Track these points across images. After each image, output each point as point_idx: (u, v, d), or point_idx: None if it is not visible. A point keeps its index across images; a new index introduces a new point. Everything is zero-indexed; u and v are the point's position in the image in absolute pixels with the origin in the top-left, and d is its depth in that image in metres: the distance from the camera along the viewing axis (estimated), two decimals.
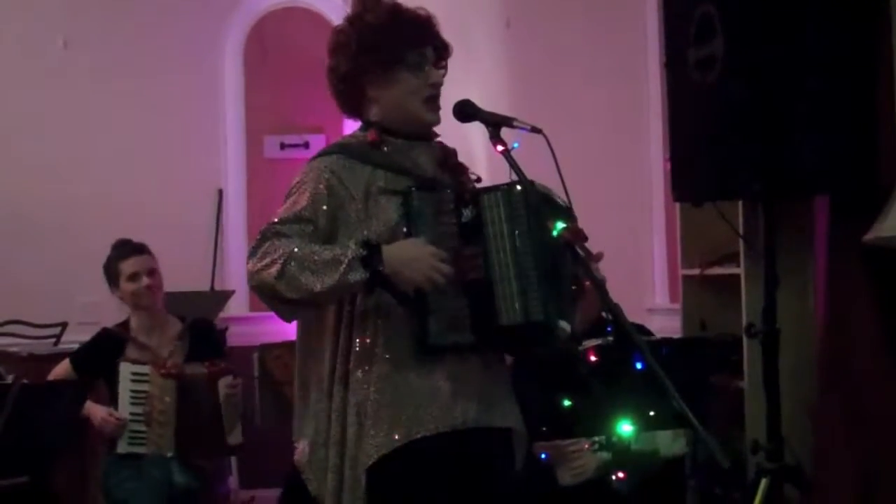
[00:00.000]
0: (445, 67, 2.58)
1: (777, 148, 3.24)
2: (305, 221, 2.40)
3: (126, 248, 4.10)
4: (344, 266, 2.29)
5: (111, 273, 4.09)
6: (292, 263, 2.31)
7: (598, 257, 2.49)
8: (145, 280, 4.03)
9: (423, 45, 2.51)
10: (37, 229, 6.58)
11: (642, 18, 6.18)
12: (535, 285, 2.37)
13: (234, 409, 4.01)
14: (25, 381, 3.72)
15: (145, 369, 3.97)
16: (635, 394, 3.45)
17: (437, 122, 2.54)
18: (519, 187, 2.39)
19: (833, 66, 3.26)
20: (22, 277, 6.43)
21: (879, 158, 3.30)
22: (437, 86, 2.52)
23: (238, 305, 6.70)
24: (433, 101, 2.52)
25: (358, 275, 2.30)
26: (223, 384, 3.97)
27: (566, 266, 2.43)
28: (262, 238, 2.38)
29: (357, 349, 2.43)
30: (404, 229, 2.40)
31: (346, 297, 2.43)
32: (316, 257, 2.32)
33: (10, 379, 3.99)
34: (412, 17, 2.52)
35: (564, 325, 2.41)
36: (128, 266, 4.04)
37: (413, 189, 2.41)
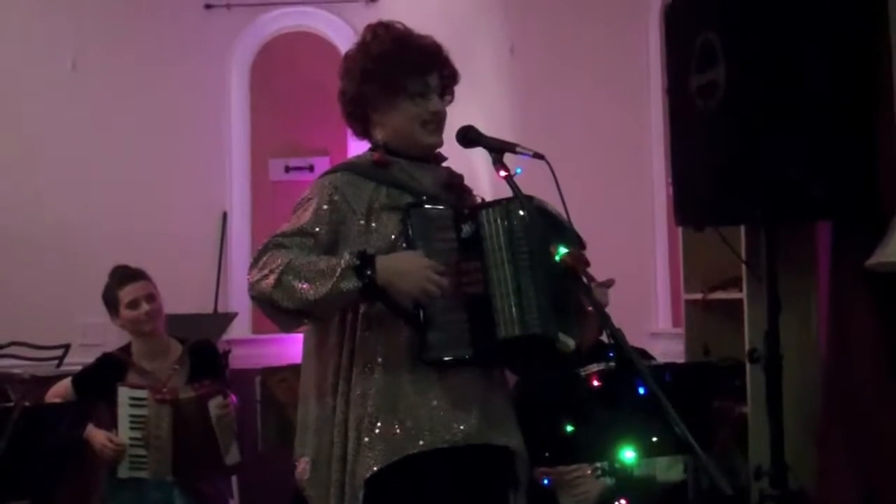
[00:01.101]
0: (452, 95, 2.60)
1: (779, 173, 3.25)
2: (307, 235, 2.44)
3: (123, 276, 4.07)
4: (337, 275, 2.32)
5: (110, 301, 4.08)
6: (289, 273, 2.35)
7: (610, 283, 2.51)
8: (145, 307, 4.02)
9: (425, 73, 2.53)
10: (41, 251, 6.59)
11: (645, 45, 6.22)
12: (533, 298, 2.37)
13: (227, 428, 3.99)
14: (27, 403, 3.72)
15: (143, 394, 3.96)
16: (638, 419, 3.45)
17: (439, 144, 2.57)
18: (518, 203, 2.40)
19: (834, 93, 3.27)
20: (25, 299, 6.43)
21: (881, 183, 3.31)
22: (437, 114, 2.54)
23: (241, 328, 6.70)
24: (433, 125, 2.54)
25: (351, 283, 2.32)
26: (213, 405, 3.95)
27: (568, 282, 2.43)
28: (263, 250, 2.43)
29: (357, 365, 2.45)
30: (403, 245, 2.42)
31: (348, 312, 2.44)
32: (311, 267, 2.35)
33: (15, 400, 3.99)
34: (417, 46, 2.54)
35: (566, 340, 2.41)
36: (126, 294, 4.03)
37: (412, 205, 2.43)
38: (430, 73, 2.54)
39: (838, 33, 3.28)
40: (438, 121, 2.55)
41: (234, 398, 4.05)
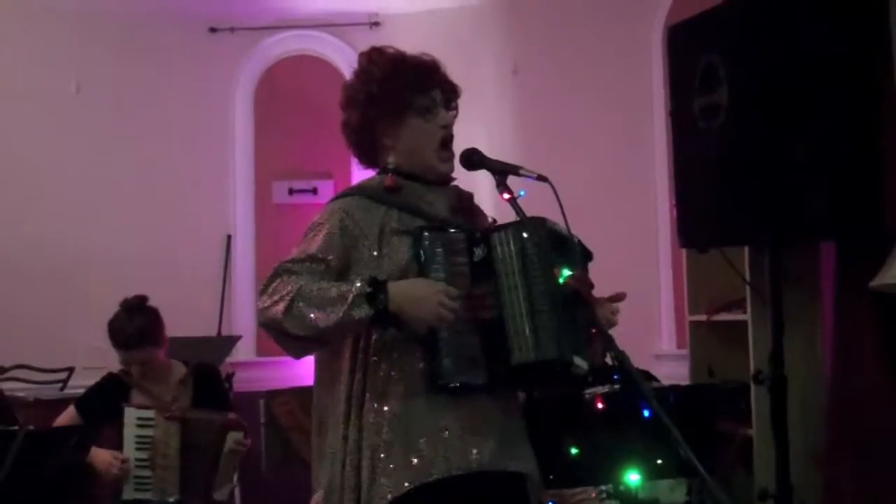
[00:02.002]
0: (456, 109, 2.60)
1: (782, 194, 3.25)
2: (317, 260, 2.42)
3: (117, 340, 4.03)
4: (349, 302, 2.30)
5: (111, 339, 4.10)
6: (299, 300, 2.33)
7: (619, 297, 2.50)
8: (136, 371, 4.06)
9: (429, 88, 2.53)
10: (45, 274, 6.60)
11: (648, 67, 6.24)
12: (547, 322, 2.35)
13: (231, 464, 3.99)
14: (31, 427, 3.71)
15: (150, 414, 3.95)
16: (642, 442, 3.44)
17: (450, 171, 2.57)
18: (530, 226, 2.40)
19: (837, 113, 3.28)
20: (29, 322, 6.44)
21: (885, 204, 3.30)
22: (448, 127, 2.54)
23: (245, 351, 6.70)
24: (446, 148, 2.54)
25: (362, 311, 2.31)
26: (232, 438, 3.96)
27: (579, 304, 2.41)
28: (273, 276, 2.41)
29: (369, 392, 2.43)
30: (415, 270, 2.40)
31: (360, 338, 2.43)
32: (322, 294, 2.33)
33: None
34: (416, 63, 2.55)
35: (580, 362, 2.39)
36: (120, 356, 4.06)
37: (423, 229, 2.42)
38: (433, 88, 2.54)
39: (841, 55, 3.28)
40: (450, 136, 2.54)
41: (249, 440, 4.06)
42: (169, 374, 4.13)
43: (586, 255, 2.55)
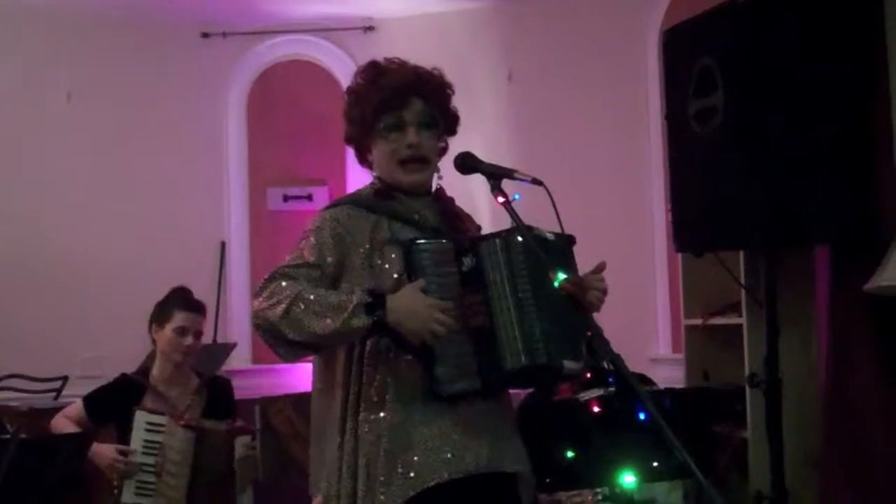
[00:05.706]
0: (443, 127, 2.59)
1: (777, 198, 3.25)
2: (313, 266, 2.44)
3: (188, 301, 4.07)
4: (348, 311, 2.32)
5: (161, 315, 4.05)
6: (298, 305, 2.34)
7: (602, 267, 2.52)
8: (189, 339, 4.03)
9: (399, 108, 2.52)
10: (38, 283, 6.59)
11: (643, 71, 6.25)
12: (536, 327, 2.37)
13: (248, 470, 3.98)
14: (24, 435, 3.69)
15: (162, 420, 3.91)
16: (638, 445, 3.44)
17: (417, 181, 2.56)
18: (517, 234, 2.40)
19: (832, 117, 3.28)
20: (23, 331, 6.42)
21: (879, 207, 3.31)
22: (414, 146, 2.53)
23: (241, 358, 6.69)
24: (412, 162, 2.54)
25: (361, 321, 2.33)
26: (240, 443, 3.95)
27: (574, 308, 2.42)
28: (270, 279, 2.42)
29: (365, 401, 2.45)
30: (407, 281, 2.41)
31: (354, 347, 2.45)
32: (321, 300, 2.35)
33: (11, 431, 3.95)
34: (391, 81, 2.53)
35: (571, 365, 2.41)
36: (181, 318, 4.02)
37: (413, 241, 2.44)
38: (405, 106, 2.52)
39: (835, 59, 3.29)
40: (417, 157, 2.53)
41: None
42: (187, 381, 4.11)
43: (570, 241, 2.55)
